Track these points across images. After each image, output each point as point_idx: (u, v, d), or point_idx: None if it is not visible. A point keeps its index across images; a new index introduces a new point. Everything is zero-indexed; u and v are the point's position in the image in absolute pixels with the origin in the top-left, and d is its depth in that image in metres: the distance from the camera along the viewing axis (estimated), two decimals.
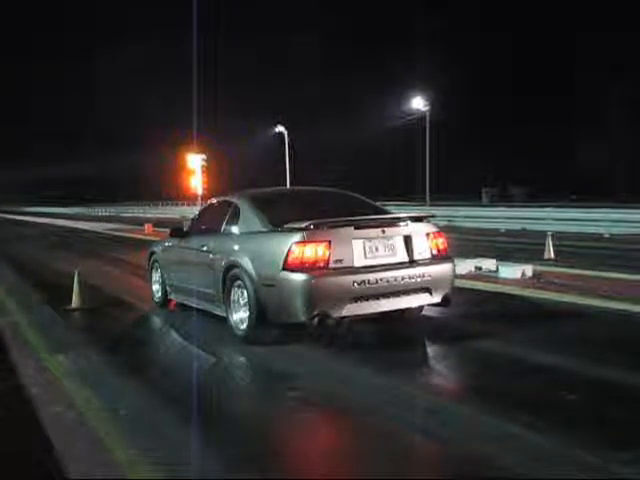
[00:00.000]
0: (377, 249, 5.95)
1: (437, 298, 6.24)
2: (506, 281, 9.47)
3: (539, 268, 10.40)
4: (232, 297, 6.31)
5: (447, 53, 72.53)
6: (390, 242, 6.05)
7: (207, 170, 46.42)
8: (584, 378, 4.90)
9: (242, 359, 5.95)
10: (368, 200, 7.40)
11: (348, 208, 6.83)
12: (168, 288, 8.13)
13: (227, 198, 7.40)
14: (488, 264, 10.65)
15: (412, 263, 6.10)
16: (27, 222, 46.52)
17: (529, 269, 9.90)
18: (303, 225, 5.70)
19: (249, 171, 70.77)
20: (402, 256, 6.09)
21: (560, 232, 18.90)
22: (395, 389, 4.71)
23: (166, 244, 8.32)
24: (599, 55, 63.55)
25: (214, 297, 6.73)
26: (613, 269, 10.52)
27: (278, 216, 6.25)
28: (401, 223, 6.20)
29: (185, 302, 7.77)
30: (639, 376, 4.93)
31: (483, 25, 78.93)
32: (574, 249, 14.89)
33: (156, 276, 8.49)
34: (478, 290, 9.03)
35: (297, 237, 5.66)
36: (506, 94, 71.54)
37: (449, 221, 27.26)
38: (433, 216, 6.80)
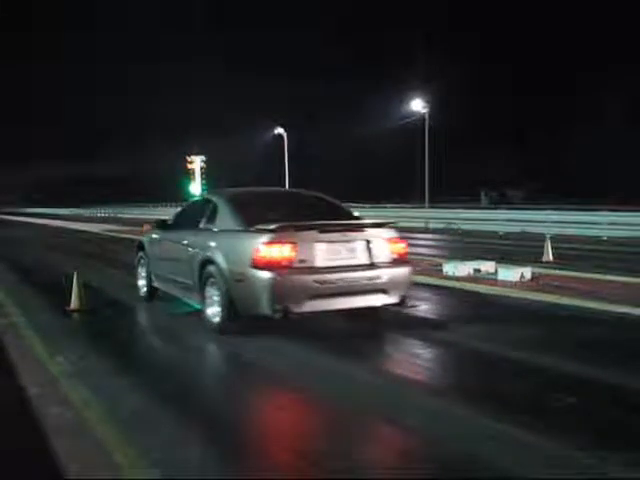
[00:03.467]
0: (339, 251, 6.35)
1: (393, 299, 6.59)
2: (505, 283, 9.48)
3: (538, 270, 10.42)
4: (207, 293, 6.74)
5: (447, 54, 72.70)
6: (351, 245, 6.44)
7: (207, 171, 46.46)
8: (584, 380, 4.91)
9: (233, 354, 6.01)
10: (339, 203, 7.79)
11: (318, 211, 7.24)
12: (153, 277, 8.57)
13: (208, 196, 7.92)
14: (487, 266, 10.67)
15: (371, 266, 6.46)
16: (25, 223, 46.45)
17: (528, 271, 9.91)
18: (272, 227, 6.12)
19: (249, 172, 70.81)
20: (362, 259, 6.46)
21: (559, 234, 18.93)
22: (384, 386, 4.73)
23: (152, 235, 8.80)
24: (598, 55, 63.67)
25: (192, 288, 7.20)
26: (612, 272, 10.54)
27: (252, 216, 6.62)
28: (363, 228, 6.63)
29: (167, 290, 8.23)
30: (638, 379, 4.95)
31: (483, 25, 79.08)
32: (573, 252, 14.92)
33: (142, 272, 8.97)
34: (477, 292, 9.05)
35: (265, 238, 6.10)
36: (506, 94, 71.66)
37: (448, 223, 27.25)
38: (394, 223, 7.13)
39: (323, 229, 6.29)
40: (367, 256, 6.47)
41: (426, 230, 26.62)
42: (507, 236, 21.61)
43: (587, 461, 3.44)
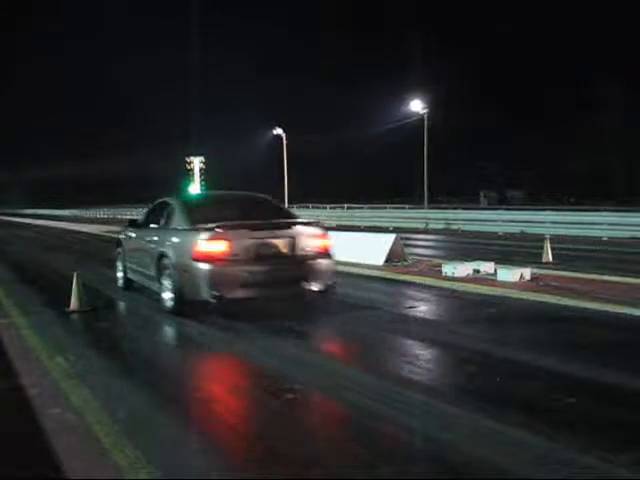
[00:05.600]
0: (267, 246, 7.31)
1: (317, 287, 7.49)
2: (504, 284, 9.46)
3: (537, 271, 10.41)
4: (162, 281, 7.84)
5: (447, 54, 72.70)
6: (279, 241, 7.41)
7: (206, 171, 46.46)
8: (583, 380, 4.90)
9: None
10: (278, 204, 9.06)
11: (262, 211, 8.37)
12: (127, 269, 9.58)
13: (168, 199, 9.01)
14: (486, 267, 10.66)
15: (296, 258, 7.42)
16: (25, 224, 46.43)
17: (527, 272, 9.91)
18: (210, 226, 7.17)
19: (248, 172, 70.78)
20: (288, 252, 7.42)
21: (558, 235, 18.94)
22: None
23: (127, 232, 9.95)
24: (598, 55, 63.66)
25: (153, 278, 8.20)
26: (611, 272, 10.53)
27: (201, 216, 7.72)
28: (290, 226, 7.64)
29: (137, 280, 9.20)
30: (638, 379, 4.95)
31: (482, 25, 79.10)
32: (572, 252, 14.91)
33: (120, 265, 9.97)
34: (476, 293, 9.04)
35: (205, 235, 7.17)
36: (506, 94, 71.66)
37: (447, 224, 27.26)
38: (318, 222, 8.11)
39: (254, 227, 7.33)
40: (293, 250, 7.41)
41: (426, 231, 26.63)
42: (507, 236, 21.63)
43: (587, 461, 3.44)
